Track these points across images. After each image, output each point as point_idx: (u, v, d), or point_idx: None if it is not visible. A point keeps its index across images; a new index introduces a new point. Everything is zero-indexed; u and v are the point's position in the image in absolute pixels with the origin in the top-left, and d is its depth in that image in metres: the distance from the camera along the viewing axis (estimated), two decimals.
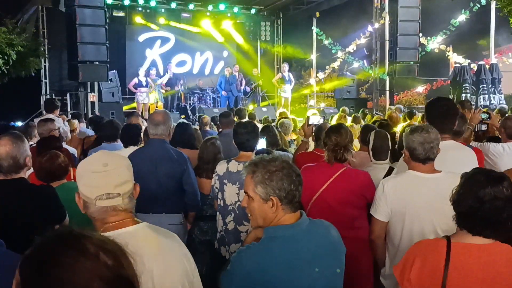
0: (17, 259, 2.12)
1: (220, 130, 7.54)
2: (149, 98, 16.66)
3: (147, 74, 16.95)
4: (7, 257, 2.16)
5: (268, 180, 2.37)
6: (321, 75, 20.27)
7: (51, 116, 7.45)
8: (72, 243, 1.23)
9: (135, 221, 2.13)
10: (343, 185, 3.71)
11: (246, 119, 9.15)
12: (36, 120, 7.43)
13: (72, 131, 8.02)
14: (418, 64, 17.56)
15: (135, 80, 16.61)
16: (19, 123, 11.10)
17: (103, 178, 2.02)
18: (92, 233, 1.29)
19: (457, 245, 2.35)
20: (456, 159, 3.66)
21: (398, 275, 2.30)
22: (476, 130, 5.63)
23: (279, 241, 2.35)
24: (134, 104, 16.86)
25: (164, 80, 17.79)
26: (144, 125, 7.23)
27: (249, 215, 2.52)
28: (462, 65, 17.43)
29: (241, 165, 4.24)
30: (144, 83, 16.46)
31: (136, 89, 16.52)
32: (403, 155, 3.50)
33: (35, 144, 5.49)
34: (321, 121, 5.65)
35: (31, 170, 3.93)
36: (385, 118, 9.20)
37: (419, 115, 9.54)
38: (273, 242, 2.36)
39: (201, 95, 19.11)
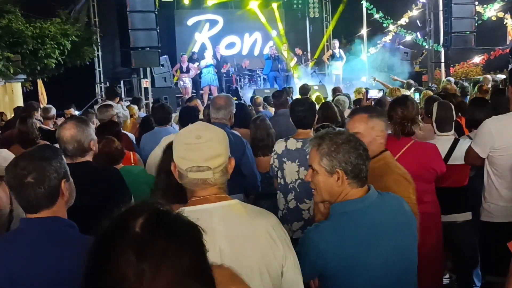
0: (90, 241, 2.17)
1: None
2: (191, 83, 16.93)
3: (189, 60, 17.12)
4: (82, 240, 2.19)
5: (334, 152, 2.30)
6: (372, 50, 19.81)
7: (110, 102, 7.55)
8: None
9: (221, 198, 2.07)
10: (412, 159, 3.58)
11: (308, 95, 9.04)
12: (96, 107, 7.56)
13: (130, 116, 8.12)
14: (475, 34, 16.91)
15: (177, 66, 16.90)
16: (75, 112, 11.39)
17: (194, 150, 2.00)
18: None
19: None
20: None
21: None
22: None
23: (350, 216, 2.30)
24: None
25: (206, 62, 17.61)
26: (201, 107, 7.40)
27: (313, 189, 2.45)
28: None
29: (299, 142, 4.20)
30: (184, 69, 16.72)
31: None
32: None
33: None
34: (380, 94, 5.50)
35: None
36: (440, 91, 8.77)
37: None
38: (343, 217, 2.30)
39: (251, 76, 19.05)
